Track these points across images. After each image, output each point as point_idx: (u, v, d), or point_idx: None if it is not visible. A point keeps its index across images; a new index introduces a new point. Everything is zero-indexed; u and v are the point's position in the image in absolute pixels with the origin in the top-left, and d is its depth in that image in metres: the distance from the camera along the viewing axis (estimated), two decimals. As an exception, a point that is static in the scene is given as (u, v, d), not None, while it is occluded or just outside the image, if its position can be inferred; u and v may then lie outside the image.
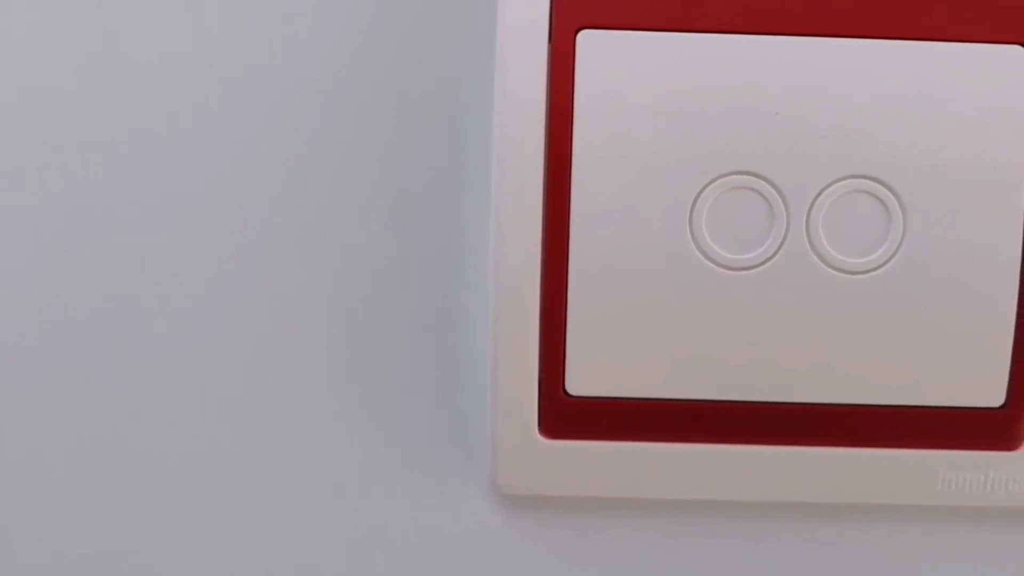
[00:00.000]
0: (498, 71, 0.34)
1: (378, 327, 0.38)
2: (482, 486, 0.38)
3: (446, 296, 0.37)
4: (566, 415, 0.36)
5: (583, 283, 0.35)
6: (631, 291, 0.35)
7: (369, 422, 0.38)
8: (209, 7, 0.36)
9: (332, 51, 0.36)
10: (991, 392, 0.35)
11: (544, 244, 0.35)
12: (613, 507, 0.38)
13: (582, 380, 0.36)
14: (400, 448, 0.38)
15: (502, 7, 0.34)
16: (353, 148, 0.37)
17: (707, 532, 0.38)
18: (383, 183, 0.37)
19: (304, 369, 0.38)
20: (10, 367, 0.38)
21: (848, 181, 0.34)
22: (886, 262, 0.35)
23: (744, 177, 0.34)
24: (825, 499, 0.37)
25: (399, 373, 0.38)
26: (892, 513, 0.38)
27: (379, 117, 0.36)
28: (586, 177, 0.34)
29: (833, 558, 0.38)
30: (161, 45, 0.36)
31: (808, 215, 0.34)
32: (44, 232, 0.37)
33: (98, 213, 0.37)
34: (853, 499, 0.37)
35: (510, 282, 0.35)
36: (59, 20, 0.36)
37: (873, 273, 0.35)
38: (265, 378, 0.38)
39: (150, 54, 0.36)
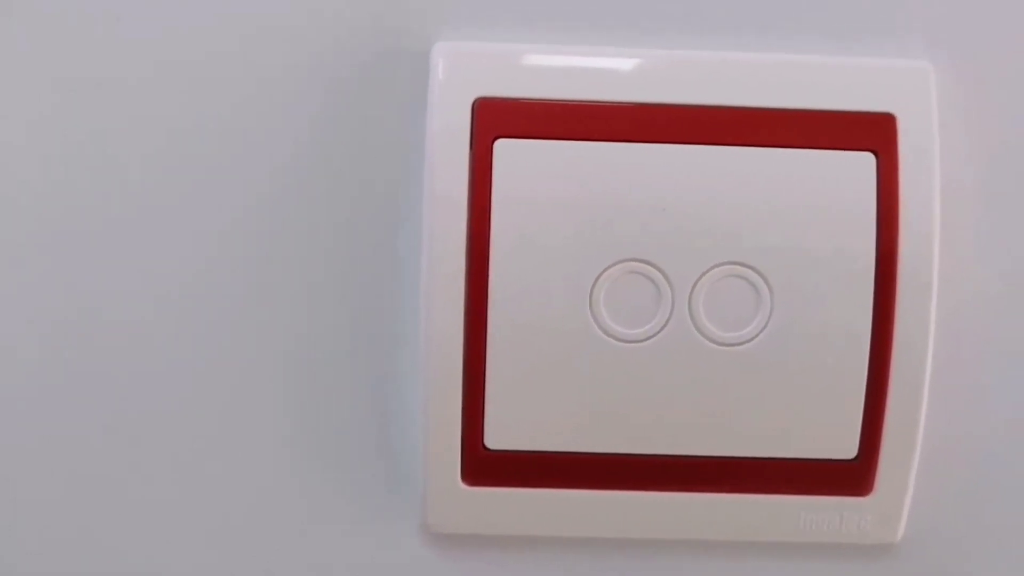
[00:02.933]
0: (427, 173, 0.37)
1: (325, 393, 0.40)
2: (413, 526, 0.41)
3: (383, 365, 0.40)
4: (485, 466, 0.39)
5: (500, 354, 0.38)
6: (541, 360, 0.38)
7: (317, 473, 0.41)
8: (176, 124, 0.39)
9: (284, 158, 0.39)
10: (845, 446, 0.39)
11: (466, 320, 0.38)
12: (526, 544, 0.41)
13: (499, 436, 0.38)
14: (344, 495, 0.41)
15: (431, 119, 0.37)
16: (303, 240, 0.39)
17: (605, 566, 0.41)
18: (330, 268, 0.39)
19: (262, 430, 0.40)
20: (9, 426, 0.40)
21: (724, 267, 0.38)
22: (756, 336, 0.38)
23: (636, 263, 0.38)
24: (705, 536, 0.40)
25: (343, 432, 0.40)
26: (761, 549, 0.41)
27: (326, 213, 0.39)
28: (502, 263, 0.37)
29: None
30: (137, 148, 0.39)
31: (690, 296, 0.38)
32: (37, 311, 0.40)
33: (82, 295, 0.39)
34: (728, 537, 0.40)
35: (437, 353, 0.38)
36: (52, 126, 0.39)
37: (745, 345, 0.38)
38: (229, 436, 0.40)
39: (129, 158, 0.39)
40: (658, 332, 0.38)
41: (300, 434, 0.40)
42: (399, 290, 0.40)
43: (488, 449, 0.39)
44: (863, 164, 0.38)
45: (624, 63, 0.39)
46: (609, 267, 0.38)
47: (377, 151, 0.39)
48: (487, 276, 0.38)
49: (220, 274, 0.40)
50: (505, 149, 0.38)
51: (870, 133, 0.38)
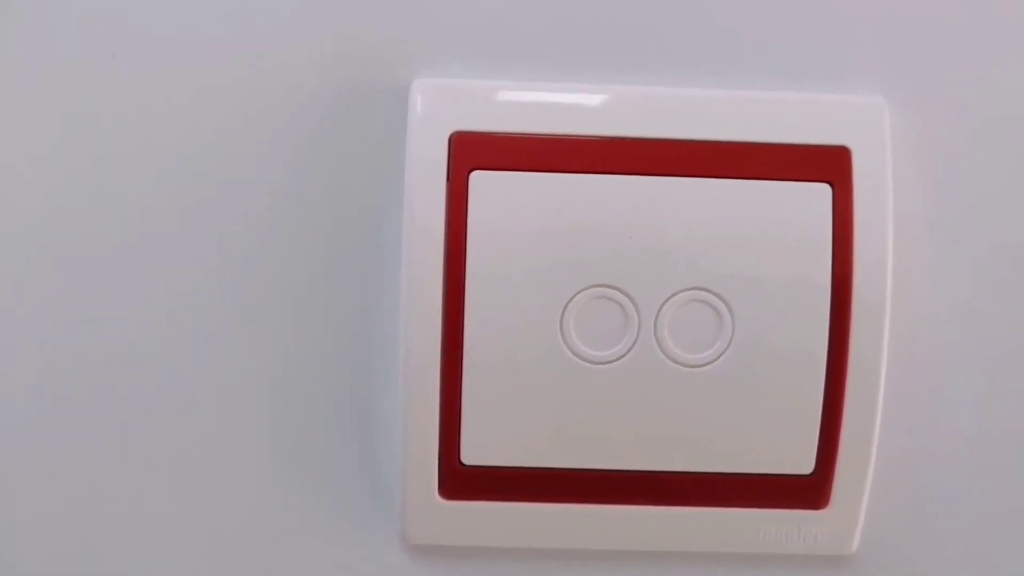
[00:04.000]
0: (406, 204, 0.39)
1: (310, 409, 0.41)
2: (394, 538, 0.42)
3: (365, 384, 0.41)
4: (462, 480, 0.40)
5: (475, 374, 0.39)
6: (514, 381, 0.39)
7: (301, 486, 0.42)
8: (165, 156, 0.40)
9: (270, 188, 0.40)
10: (803, 461, 0.40)
11: (443, 343, 0.39)
12: (500, 555, 0.42)
13: (475, 452, 0.40)
14: (327, 508, 0.42)
15: (410, 152, 0.39)
16: (289, 264, 0.41)
17: (576, 575, 0.42)
18: (314, 291, 0.41)
19: (248, 445, 0.42)
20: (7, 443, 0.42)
21: (688, 292, 0.39)
22: (718, 357, 0.39)
23: (604, 289, 0.39)
24: (671, 548, 0.41)
25: (332, 451, 0.42)
26: (723, 560, 0.42)
27: (311, 241, 0.40)
28: (477, 289, 0.39)
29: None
30: (127, 180, 0.40)
31: (656, 319, 0.39)
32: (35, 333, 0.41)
33: (80, 320, 0.41)
34: (693, 548, 0.41)
35: (416, 374, 0.39)
36: (52, 156, 0.40)
37: (708, 367, 0.39)
38: (223, 455, 0.42)
39: (121, 191, 0.40)
40: (625, 354, 0.40)
41: (285, 449, 0.42)
42: (381, 313, 0.41)
43: (464, 465, 0.40)
44: (820, 195, 0.39)
45: (594, 99, 0.40)
46: (579, 292, 0.39)
47: (360, 183, 0.40)
48: (463, 301, 0.39)
49: (208, 298, 0.41)
50: (480, 181, 0.39)
51: (827, 165, 0.39)
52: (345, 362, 0.41)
